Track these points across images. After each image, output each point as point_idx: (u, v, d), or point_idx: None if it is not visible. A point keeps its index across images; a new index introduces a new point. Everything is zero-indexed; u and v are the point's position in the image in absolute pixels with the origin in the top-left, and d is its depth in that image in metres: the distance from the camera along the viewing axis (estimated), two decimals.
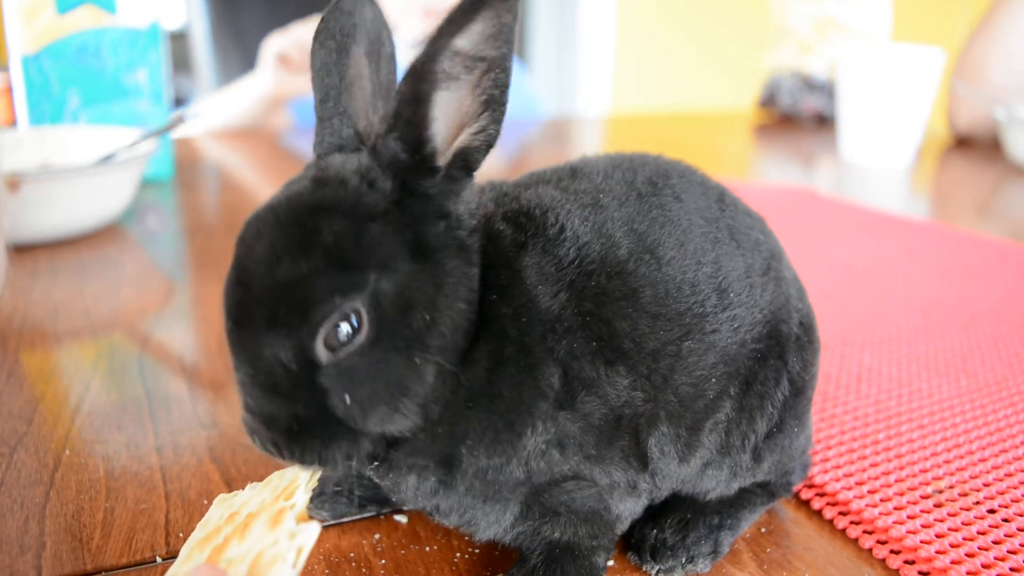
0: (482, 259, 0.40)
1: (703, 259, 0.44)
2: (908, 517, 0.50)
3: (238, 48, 2.14)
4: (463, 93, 0.37)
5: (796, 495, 0.54)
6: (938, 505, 0.52)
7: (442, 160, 0.39)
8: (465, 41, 0.35)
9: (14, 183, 0.91)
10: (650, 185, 0.46)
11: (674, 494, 0.48)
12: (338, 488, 0.50)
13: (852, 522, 0.51)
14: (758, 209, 0.51)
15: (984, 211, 1.37)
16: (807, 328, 0.49)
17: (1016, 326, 0.83)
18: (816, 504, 0.53)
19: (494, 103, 0.38)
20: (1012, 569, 0.46)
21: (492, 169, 1.35)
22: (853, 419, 0.63)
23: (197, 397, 0.65)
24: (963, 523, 0.50)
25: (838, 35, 2.16)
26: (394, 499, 0.48)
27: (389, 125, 0.38)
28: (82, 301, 0.84)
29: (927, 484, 0.54)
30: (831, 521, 0.52)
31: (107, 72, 1.23)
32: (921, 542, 0.48)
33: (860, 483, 0.54)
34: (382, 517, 0.51)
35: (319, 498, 0.49)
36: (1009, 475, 0.56)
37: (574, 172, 0.47)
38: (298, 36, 1.64)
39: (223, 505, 0.41)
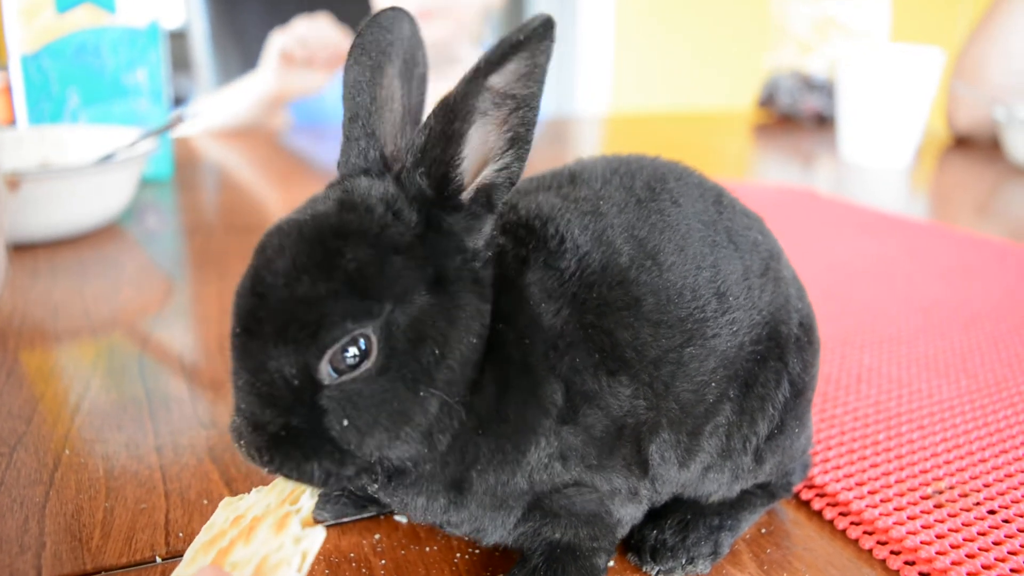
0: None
1: (702, 263, 0.44)
2: (908, 518, 0.50)
3: (238, 48, 2.14)
4: (489, 129, 0.37)
5: (796, 496, 0.54)
6: (938, 506, 0.52)
7: (466, 196, 0.39)
8: (498, 78, 0.36)
9: (14, 182, 0.91)
10: (648, 190, 0.46)
11: (675, 497, 0.48)
12: (338, 493, 0.50)
13: (852, 523, 0.51)
14: (757, 209, 0.51)
15: (984, 211, 1.37)
16: (807, 328, 0.49)
17: (1016, 326, 0.83)
18: (816, 505, 0.53)
19: (519, 141, 0.38)
20: (1012, 570, 0.46)
21: None
22: (853, 420, 0.63)
23: (197, 397, 0.65)
24: (963, 524, 0.50)
25: (838, 35, 2.16)
26: (400, 518, 0.49)
27: (416, 159, 0.38)
28: (82, 300, 0.84)
29: (927, 485, 0.54)
30: (831, 522, 0.52)
31: (107, 71, 1.23)
32: (921, 543, 0.48)
33: (860, 484, 0.54)
34: (382, 518, 0.51)
35: (321, 499, 0.49)
36: (1009, 476, 0.56)
37: (573, 178, 0.47)
38: (300, 32, 1.64)
39: (228, 508, 0.41)
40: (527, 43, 0.34)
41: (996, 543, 0.49)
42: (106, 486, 0.53)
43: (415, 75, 0.44)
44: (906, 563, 0.47)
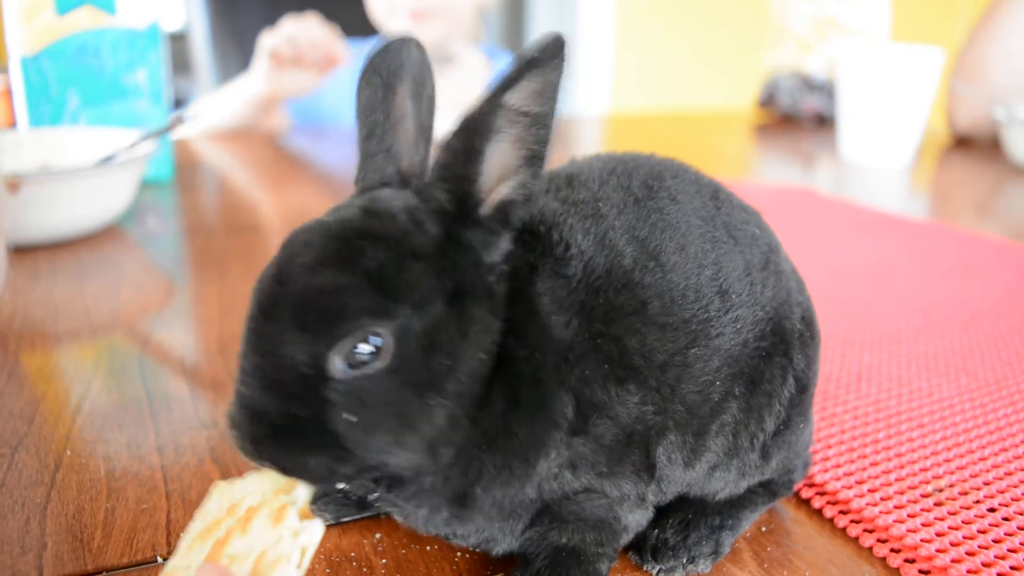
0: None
1: (704, 261, 0.44)
2: (908, 516, 0.51)
3: (238, 48, 2.14)
4: (504, 147, 0.38)
5: (796, 494, 0.54)
6: (938, 504, 0.52)
7: (484, 211, 0.39)
8: (513, 96, 0.36)
9: (14, 184, 0.91)
10: (646, 188, 0.46)
11: (680, 496, 0.48)
12: (339, 493, 0.50)
13: (852, 521, 0.51)
14: (757, 209, 0.51)
15: (984, 210, 1.37)
16: (808, 323, 0.49)
17: (1016, 325, 0.83)
18: (816, 503, 0.53)
19: (534, 158, 0.38)
20: (1012, 568, 0.46)
21: None
22: (853, 418, 0.63)
23: (198, 397, 0.65)
24: (963, 522, 0.50)
25: (837, 34, 2.16)
26: (404, 524, 0.49)
27: (438, 175, 0.39)
28: (82, 302, 0.85)
29: (927, 483, 0.55)
30: (831, 520, 0.52)
31: (107, 73, 1.23)
32: (921, 540, 0.48)
33: (860, 482, 0.54)
34: (383, 517, 0.51)
35: (321, 500, 0.49)
36: (1009, 474, 0.56)
37: (570, 180, 0.47)
38: (287, 31, 1.64)
39: (222, 495, 0.41)
40: (540, 61, 0.35)
41: (996, 541, 0.49)
42: (107, 486, 0.53)
43: (424, 95, 0.44)
44: (906, 561, 0.47)
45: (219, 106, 1.77)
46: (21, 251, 0.98)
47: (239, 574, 0.35)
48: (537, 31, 4.06)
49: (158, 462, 0.56)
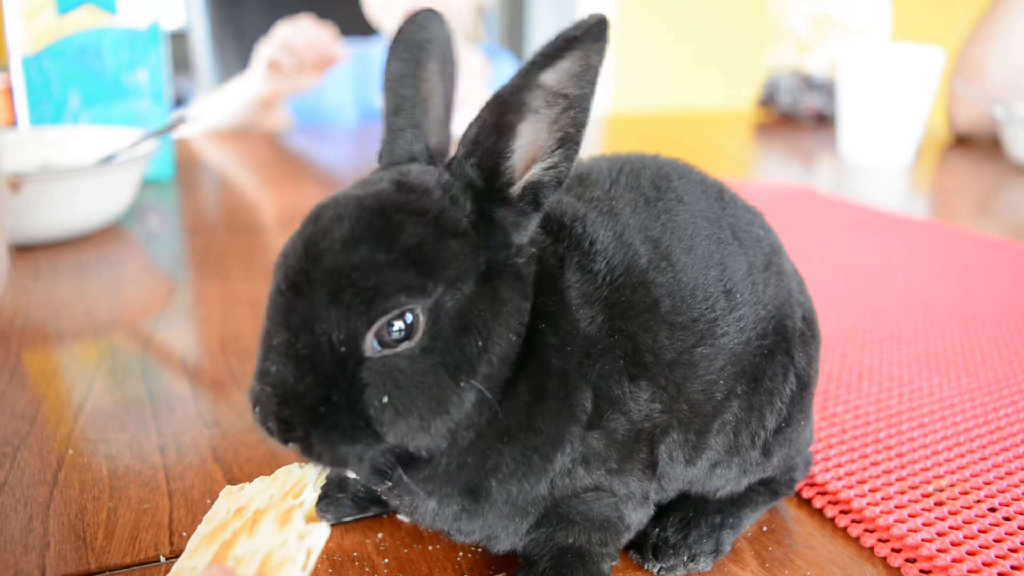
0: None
1: (710, 262, 0.44)
2: (909, 515, 0.51)
3: (238, 48, 2.14)
4: (540, 127, 0.37)
5: (797, 494, 0.54)
6: (939, 503, 0.52)
7: (514, 191, 0.39)
8: (551, 76, 0.36)
9: (16, 183, 0.91)
10: (654, 189, 0.46)
11: (681, 494, 0.48)
12: (340, 493, 0.50)
13: (853, 520, 0.51)
14: (758, 208, 0.51)
15: (984, 210, 1.37)
16: (809, 322, 0.49)
17: (1016, 324, 0.83)
18: (817, 503, 0.53)
19: (569, 141, 0.38)
20: (1013, 567, 0.46)
21: None
22: (854, 418, 0.63)
23: (199, 396, 0.65)
24: (964, 521, 0.51)
25: (836, 33, 2.16)
26: (407, 519, 0.48)
27: (468, 149, 0.38)
28: (83, 301, 0.85)
29: (928, 483, 0.55)
30: (832, 520, 0.52)
31: (107, 72, 1.23)
32: (922, 540, 0.48)
33: (861, 482, 0.54)
34: (385, 517, 0.51)
35: (323, 500, 0.49)
36: (1010, 473, 0.56)
37: (581, 179, 0.47)
38: (284, 38, 1.63)
39: (230, 498, 0.41)
40: (581, 41, 0.35)
41: (997, 540, 0.49)
42: (110, 486, 0.53)
43: (447, 74, 0.44)
44: (907, 560, 0.47)
45: (219, 105, 1.77)
46: (22, 250, 0.98)
47: (244, 575, 0.36)
48: (537, 31, 4.06)
49: (160, 462, 0.56)
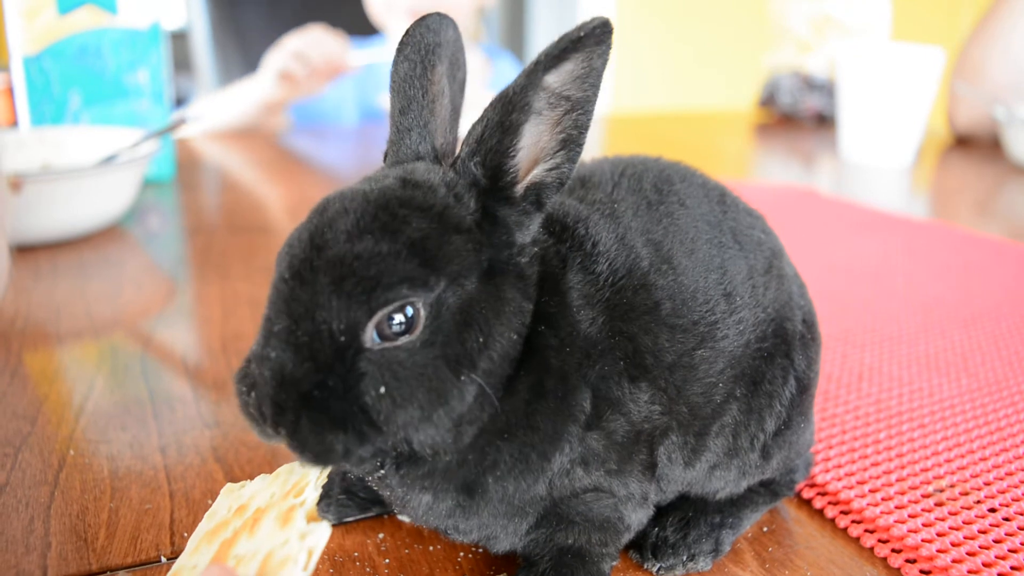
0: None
1: (711, 265, 0.45)
2: (909, 516, 0.51)
3: (238, 48, 2.14)
4: (542, 128, 0.38)
5: (798, 494, 0.54)
6: (939, 504, 0.52)
7: (518, 190, 0.39)
8: (554, 78, 0.36)
9: (16, 184, 0.91)
10: (656, 192, 0.46)
11: (681, 495, 0.48)
12: (341, 495, 0.50)
13: (853, 521, 0.51)
14: (759, 209, 0.51)
15: (984, 210, 1.37)
16: (809, 325, 0.49)
17: (1016, 325, 0.83)
18: (818, 503, 0.53)
19: (571, 143, 0.38)
20: (1013, 568, 0.47)
21: None
22: (854, 418, 0.63)
23: (200, 397, 0.65)
24: (964, 522, 0.51)
25: (836, 33, 2.16)
26: (399, 513, 0.48)
27: (472, 148, 0.38)
28: (84, 302, 0.85)
29: (928, 483, 0.55)
30: (832, 520, 0.52)
31: (108, 72, 1.23)
32: (922, 541, 0.48)
33: (861, 482, 0.54)
34: (386, 517, 0.51)
35: (324, 501, 0.50)
36: (1010, 474, 0.56)
37: (583, 181, 0.47)
38: (296, 49, 1.63)
39: (231, 496, 0.41)
40: (585, 43, 0.35)
41: (997, 541, 0.49)
42: (111, 486, 0.53)
43: (457, 78, 0.44)
44: (907, 561, 0.47)
45: (223, 107, 1.77)
46: (23, 251, 0.98)
47: (245, 575, 0.36)
48: (537, 32, 4.06)
49: (161, 462, 0.56)
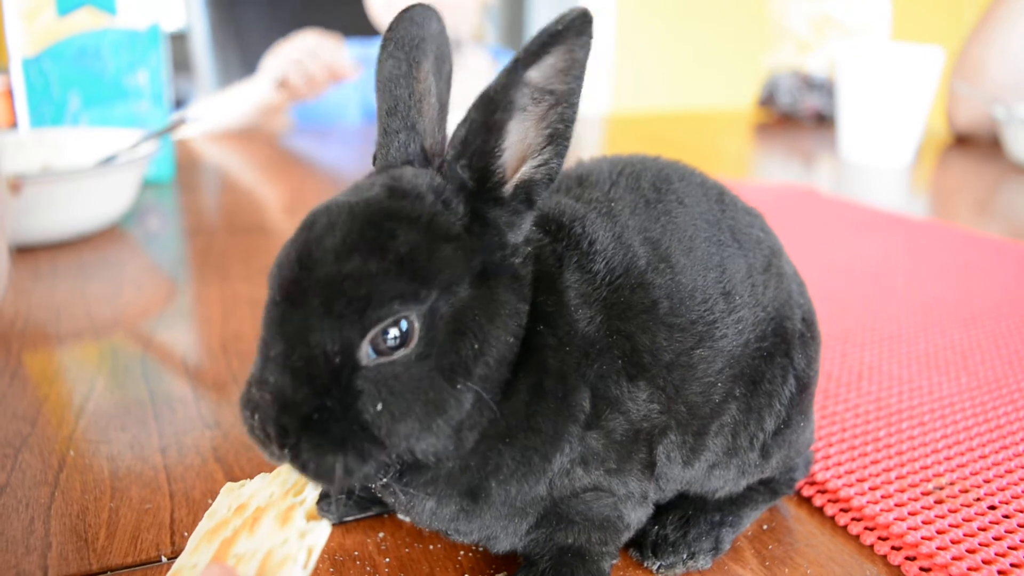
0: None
1: (709, 264, 0.45)
2: (909, 514, 0.51)
3: (238, 49, 2.14)
4: (528, 125, 0.37)
5: (798, 492, 0.54)
6: (939, 502, 0.52)
7: (506, 190, 0.39)
8: (536, 73, 0.36)
9: (16, 185, 0.91)
10: (655, 191, 0.46)
11: (680, 494, 0.48)
12: (341, 494, 0.50)
13: (853, 519, 0.51)
14: (758, 208, 0.51)
15: (984, 209, 1.37)
16: (809, 324, 0.49)
17: (1016, 324, 0.83)
18: (817, 501, 0.53)
19: (558, 137, 0.38)
20: (1013, 565, 0.47)
21: None
22: (854, 417, 0.63)
23: (200, 397, 0.65)
24: (964, 519, 0.51)
25: (836, 33, 2.16)
26: (404, 517, 0.48)
27: (458, 151, 0.38)
28: (84, 302, 0.85)
29: (928, 481, 0.55)
30: (832, 518, 0.52)
31: (107, 74, 1.23)
32: (922, 538, 0.48)
33: (861, 480, 0.54)
34: (386, 516, 0.51)
35: (323, 500, 0.49)
36: (1009, 471, 0.56)
37: (580, 180, 0.47)
38: (293, 55, 1.63)
39: (231, 495, 0.41)
40: (564, 35, 0.35)
41: (996, 538, 0.49)
42: (111, 487, 0.53)
43: (443, 73, 0.44)
44: (907, 559, 0.47)
45: (223, 109, 1.77)
46: (23, 251, 0.98)
47: (245, 574, 0.36)
48: (537, 31, 4.06)
49: (161, 462, 0.56)
